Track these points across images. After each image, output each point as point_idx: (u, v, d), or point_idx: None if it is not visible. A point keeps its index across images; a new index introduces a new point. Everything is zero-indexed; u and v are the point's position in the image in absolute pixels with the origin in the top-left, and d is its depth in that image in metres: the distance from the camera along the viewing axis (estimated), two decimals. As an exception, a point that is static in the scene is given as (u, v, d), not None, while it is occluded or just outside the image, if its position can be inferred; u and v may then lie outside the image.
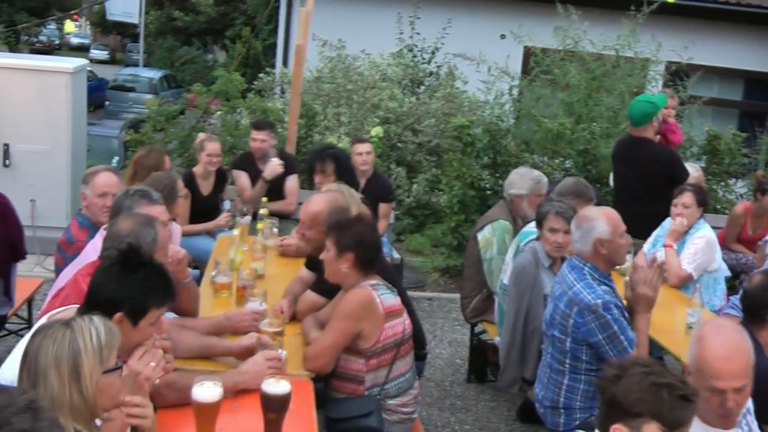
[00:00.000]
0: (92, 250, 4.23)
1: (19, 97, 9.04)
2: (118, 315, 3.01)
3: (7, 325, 6.09)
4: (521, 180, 6.36)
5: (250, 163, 7.82)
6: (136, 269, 3.12)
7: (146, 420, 2.78)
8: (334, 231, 4.20)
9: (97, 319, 2.62)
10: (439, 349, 7.52)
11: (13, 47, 38.60)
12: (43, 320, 3.20)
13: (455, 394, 6.72)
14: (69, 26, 17.04)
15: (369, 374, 4.16)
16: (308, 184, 7.69)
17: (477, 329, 6.87)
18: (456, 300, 8.63)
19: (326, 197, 4.84)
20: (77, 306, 3.19)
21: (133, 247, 3.25)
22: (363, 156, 7.61)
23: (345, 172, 6.31)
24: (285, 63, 16.11)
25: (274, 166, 7.43)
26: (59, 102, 9.10)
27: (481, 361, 6.89)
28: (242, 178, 7.77)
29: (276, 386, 3.24)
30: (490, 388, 6.80)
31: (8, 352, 6.54)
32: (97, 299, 3.05)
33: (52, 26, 53.35)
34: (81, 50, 50.02)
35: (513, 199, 6.37)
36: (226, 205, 7.42)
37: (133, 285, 3.08)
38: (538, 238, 5.52)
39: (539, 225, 5.45)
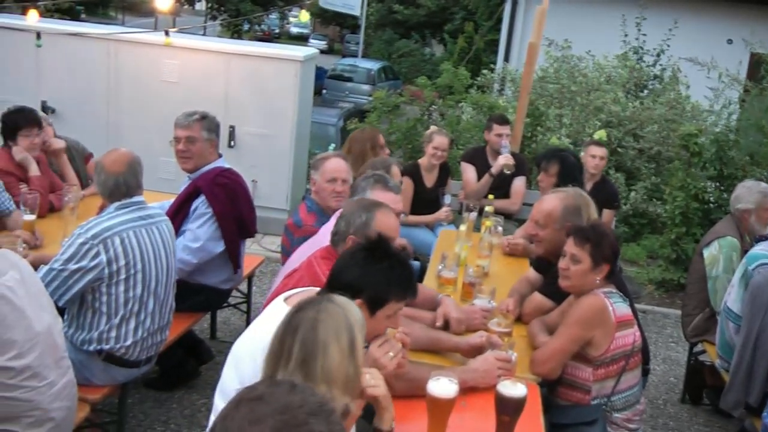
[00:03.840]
0: (327, 233, 4.27)
1: (249, 83, 9.36)
2: (357, 301, 2.98)
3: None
4: (748, 193, 6.06)
5: (480, 158, 7.79)
6: (382, 259, 3.08)
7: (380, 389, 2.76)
8: (592, 243, 4.08)
9: (347, 300, 2.63)
10: (652, 365, 7.22)
11: (240, 35, 40.23)
12: (279, 300, 3.21)
13: (668, 413, 6.47)
14: (304, 16, 17.44)
15: (596, 384, 4.04)
16: (534, 185, 7.59)
17: (696, 349, 6.57)
18: (671, 315, 8.37)
19: (559, 196, 4.75)
20: (317, 289, 3.19)
21: (382, 237, 3.22)
22: (596, 159, 7.45)
23: (567, 178, 6.15)
24: (506, 59, 16.03)
25: (502, 162, 7.35)
26: (287, 89, 9.34)
27: (698, 383, 6.60)
28: (469, 171, 7.75)
29: (513, 389, 3.16)
30: (704, 412, 6.52)
31: (224, 323, 6.84)
32: (339, 283, 3.03)
33: (273, 15, 55.17)
34: (300, 39, 51.49)
35: (740, 215, 6.06)
36: (447, 199, 7.40)
37: (376, 274, 3.04)
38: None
39: None
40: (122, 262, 4.28)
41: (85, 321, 4.36)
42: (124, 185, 4.44)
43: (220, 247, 5.50)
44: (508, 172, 7.38)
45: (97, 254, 4.20)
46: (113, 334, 4.37)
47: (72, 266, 4.18)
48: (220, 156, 5.67)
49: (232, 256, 5.69)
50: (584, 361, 4.03)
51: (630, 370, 4.10)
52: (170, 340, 4.98)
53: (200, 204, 5.40)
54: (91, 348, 4.35)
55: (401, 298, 3.11)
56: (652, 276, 9.39)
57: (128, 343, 4.42)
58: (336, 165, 5.32)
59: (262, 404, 1.79)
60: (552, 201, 4.70)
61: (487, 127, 7.84)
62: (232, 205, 5.55)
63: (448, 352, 4.01)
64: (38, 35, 8.54)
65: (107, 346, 4.37)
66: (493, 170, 7.39)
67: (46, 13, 9.88)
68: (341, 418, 2.42)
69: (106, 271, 4.24)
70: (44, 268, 4.24)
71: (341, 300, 2.60)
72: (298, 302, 2.63)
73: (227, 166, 5.69)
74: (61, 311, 4.07)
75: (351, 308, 2.58)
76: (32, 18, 8.38)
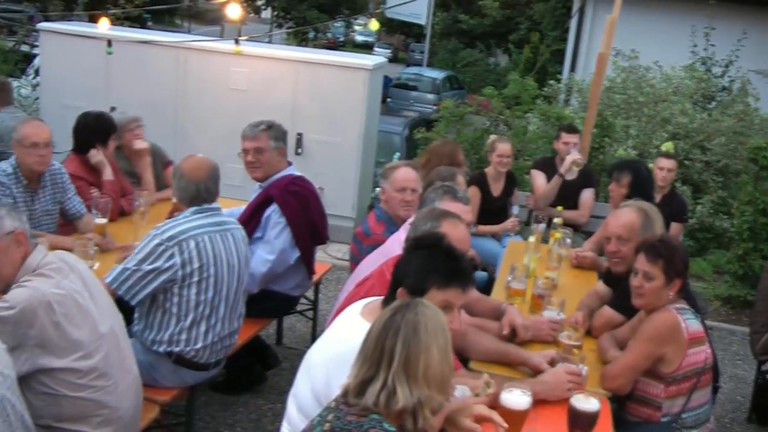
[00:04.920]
0: (396, 243, 4.28)
1: (317, 90, 9.41)
2: (399, 290, 3.01)
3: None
4: None
5: (550, 167, 7.76)
6: (422, 246, 3.09)
7: None
8: (664, 259, 4.02)
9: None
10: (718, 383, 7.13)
11: (306, 43, 40.41)
12: (354, 309, 3.22)
13: (735, 432, 6.36)
14: (374, 24, 17.59)
15: (667, 401, 3.98)
16: (602, 197, 7.52)
17: (764, 367, 6.43)
18: (738, 333, 8.22)
19: (632, 209, 4.74)
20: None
21: (431, 232, 3.23)
22: (664, 172, 7.37)
23: (638, 189, 6.08)
24: (573, 69, 15.93)
25: (570, 160, 7.32)
26: (356, 97, 9.37)
27: (766, 402, 6.46)
28: (539, 178, 7.76)
29: (586, 403, 3.16)
30: (771, 431, 6.39)
31: (290, 329, 6.87)
32: (392, 278, 3.10)
33: (338, 23, 55.34)
34: (365, 48, 51.52)
35: None
36: (515, 209, 7.38)
37: (415, 261, 3.04)
38: None
39: None
40: (196, 265, 4.33)
41: (155, 320, 4.42)
42: (204, 192, 4.51)
43: (296, 254, 5.54)
44: (578, 168, 7.34)
45: (172, 256, 4.26)
46: (183, 336, 4.42)
47: (146, 267, 4.25)
48: (290, 164, 5.71)
49: (307, 262, 5.74)
50: (656, 378, 3.98)
51: (701, 388, 4.04)
52: (238, 345, 5.01)
53: (273, 212, 5.43)
54: (161, 349, 4.41)
55: (443, 286, 3.00)
56: (718, 292, 9.22)
57: (198, 346, 4.47)
58: (405, 174, 5.32)
59: None
60: (628, 214, 4.68)
61: (556, 137, 7.88)
62: (304, 212, 5.58)
63: (516, 365, 4.00)
64: (109, 43, 8.67)
65: (177, 348, 4.42)
66: (562, 170, 7.36)
67: (116, 21, 10.03)
68: (433, 412, 2.51)
69: (180, 273, 4.30)
70: (118, 268, 4.32)
71: (424, 303, 2.63)
72: (392, 306, 2.64)
73: (297, 173, 5.72)
74: (127, 309, 4.19)
75: (440, 311, 2.63)
76: (103, 26, 8.50)
